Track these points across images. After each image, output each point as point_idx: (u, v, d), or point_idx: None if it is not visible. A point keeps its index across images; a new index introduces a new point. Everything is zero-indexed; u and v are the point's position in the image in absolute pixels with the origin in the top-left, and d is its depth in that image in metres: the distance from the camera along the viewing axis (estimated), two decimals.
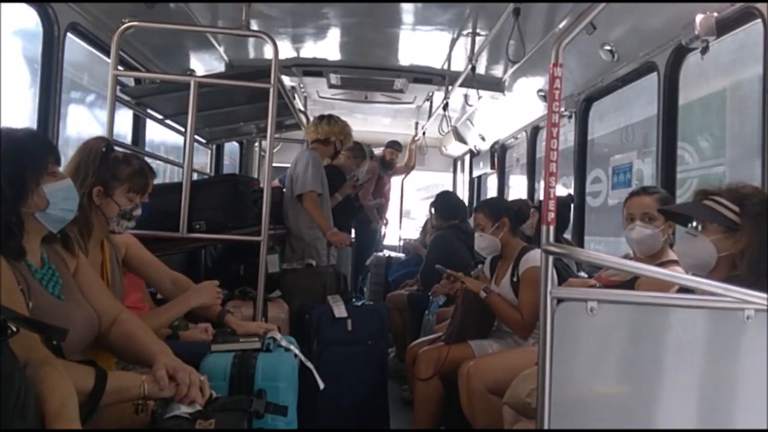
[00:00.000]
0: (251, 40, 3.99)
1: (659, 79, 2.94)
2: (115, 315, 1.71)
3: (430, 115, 5.68)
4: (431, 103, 5.52)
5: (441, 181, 8.19)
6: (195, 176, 3.25)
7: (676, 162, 2.97)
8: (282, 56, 3.82)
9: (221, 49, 4.11)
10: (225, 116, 4.16)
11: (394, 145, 6.29)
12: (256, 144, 5.94)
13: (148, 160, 2.81)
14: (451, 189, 7.61)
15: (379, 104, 5.74)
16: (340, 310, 3.34)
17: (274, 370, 2.00)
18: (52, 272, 1.59)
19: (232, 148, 5.91)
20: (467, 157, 7.24)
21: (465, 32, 3.71)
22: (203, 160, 5.15)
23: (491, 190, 6.54)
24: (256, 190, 3.34)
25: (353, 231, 5.37)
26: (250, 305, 3.09)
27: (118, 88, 2.81)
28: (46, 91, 2.63)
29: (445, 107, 4.86)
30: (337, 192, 4.13)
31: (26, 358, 1.26)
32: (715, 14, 2.37)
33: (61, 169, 1.63)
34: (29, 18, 2.61)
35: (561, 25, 3.24)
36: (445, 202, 4.71)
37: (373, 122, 6.74)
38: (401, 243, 6.98)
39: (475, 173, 7.01)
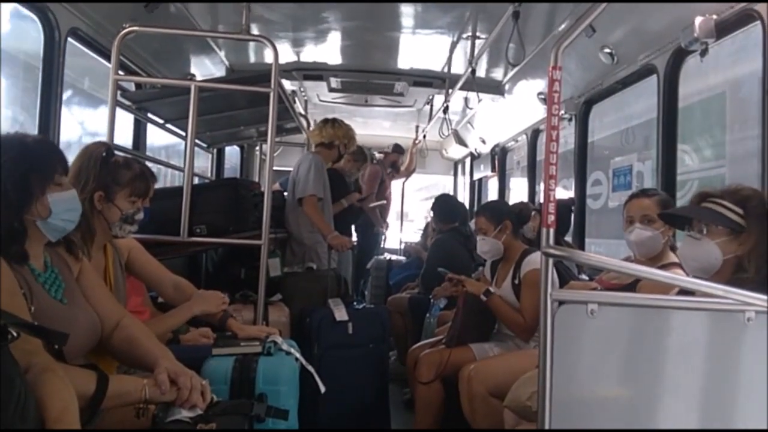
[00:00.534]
0: (252, 44, 4.00)
1: (659, 82, 2.94)
2: (117, 319, 1.71)
3: (430, 119, 5.69)
4: (431, 106, 5.53)
5: (441, 181, 8.20)
6: (196, 180, 3.26)
7: (676, 164, 2.97)
8: (282, 60, 3.83)
9: (222, 54, 4.12)
10: (226, 120, 4.16)
11: (399, 149, 6.34)
12: (257, 148, 5.96)
13: (149, 164, 2.83)
14: (451, 191, 7.63)
15: (380, 107, 5.75)
16: (341, 314, 3.34)
17: (275, 374, 2.00)
18: (55, 276, 1.59)
19: (232, 151, 5.93)
20: (468, 160, 7.25)
21: (465, 35, 3.72)
22: (204, 164, 5.16)
23: (492, 193, 6.54)
24: (256, 194, 3.34)
25: (356, 234, 5.39)
26: (250, 309, 3.09)
27: (118, 92, 2.81)
28: (47, 96, 2.63)
29: (446, 110, 4.87)
30: (344, 198, 4.14)
31: (27, 363, 1.26)
32: (715, 16, 2.37)
33: None
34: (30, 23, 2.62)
35: (560, 28, 3.24)
36: (444, 206, 4.71)
37: (373, 125, 6.75)
38: (402, 246, 6.99)
39: (476, 176, 7.02)
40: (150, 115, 3.73)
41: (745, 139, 2.91)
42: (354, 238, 5.11)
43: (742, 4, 2.25)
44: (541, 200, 1.72)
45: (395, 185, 6.87)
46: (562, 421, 1.39)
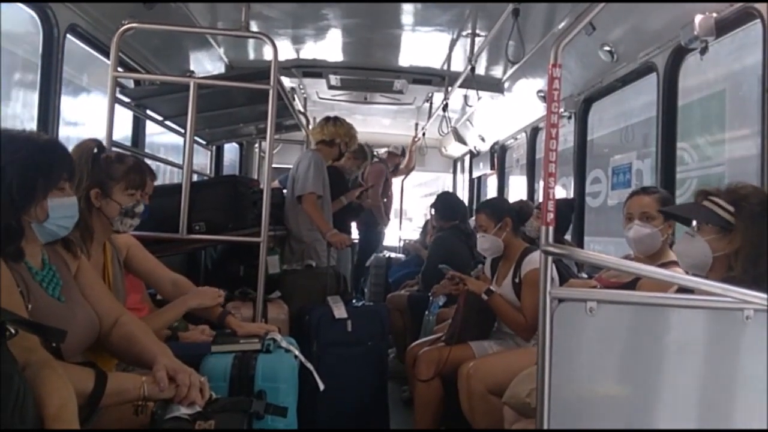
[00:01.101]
0: (251, 41, 4.00)
1: (658, 80, 2.94)
2: (116, 317, 1.71)
3: (429, 116, 5.69)
4: (431, 103, 5.53)
5: (439, 177, 8.19)
6: (195, 177, 3.25)
7: (675, 162, 2.97)
8: (282, 57, 3.82)
9: (221, 51, 4.12)
10: (225, 117, 4.16)
11: (402, 152, 6.40)
12: (256, 145, 5.96)
13: (148, 161, 2.82)
14: (450, 189, 7.63)
15: (379, 105, 5.75)
16: (340, 311, 3.34)
17: (274, 371, 2.00)
18: (53, 274, 1.59)
19: (231, 149, 5.92)
20: (467, 158, 7.25)
21: (464, 33, 3.72)
22: (203, 161, 5.15)
23: (491, 191, 6.54)
24: (255, 191, 3.34)
25: (359, 232, 5.38)
26: (249, 306, 3.09)
27: (117, 89, 2.81)
28: (46, 92, 2.62)
29: (445, 108, 4.86)
30: (343, 196, 4.14)
31: (25, 361, 1.26)
32: (714, 15, 2.37)
33: None
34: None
35: (560, 26, 3.24)
36: (445, 203, 4.71)
37: (372, 123, 6.76)
38: (401, 244, 6.99)
39: (475, 174, 7.01)
40: (149, 112, 3.72)
41: (745, 137, 2.91)
42: (355, 235, 5.11)
43: (742, 3, 2.25)
44: (541, 198, 1.72)
45: (394, 183, 6.87)
46: (561, 418, 1.39)
